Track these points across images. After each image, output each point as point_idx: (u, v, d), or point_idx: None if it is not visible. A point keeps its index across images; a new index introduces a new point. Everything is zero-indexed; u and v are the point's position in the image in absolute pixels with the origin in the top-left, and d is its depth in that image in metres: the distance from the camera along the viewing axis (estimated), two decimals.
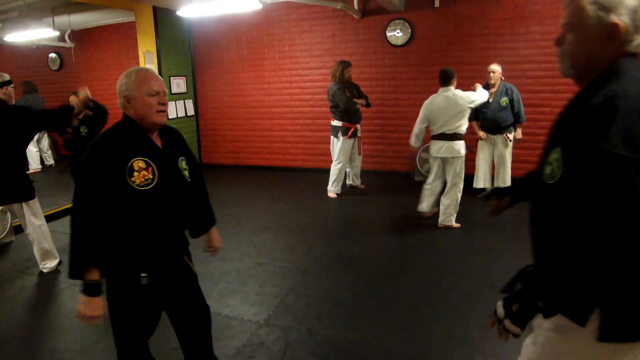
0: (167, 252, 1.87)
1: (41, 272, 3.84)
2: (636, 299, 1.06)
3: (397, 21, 6.47)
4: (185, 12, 5.74)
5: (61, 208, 5.51)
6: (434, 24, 6.37)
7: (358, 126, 5.79)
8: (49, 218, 5.23)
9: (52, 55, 8.46)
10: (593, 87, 1.14)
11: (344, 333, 2.83)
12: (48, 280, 3.75)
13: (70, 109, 3.60)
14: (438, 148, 4.46)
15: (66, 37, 7.39)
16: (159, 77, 1.78)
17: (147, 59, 6.74)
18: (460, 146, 4.43)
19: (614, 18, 1.10)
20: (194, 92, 7.90)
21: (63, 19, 6.92)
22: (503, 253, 3.92)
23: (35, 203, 3.72)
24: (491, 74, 5.01)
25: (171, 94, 7.24)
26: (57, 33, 6.84)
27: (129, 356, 1.95)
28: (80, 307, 1.70)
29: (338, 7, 6.25)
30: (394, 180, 6.70)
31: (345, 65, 5.57)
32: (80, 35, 7.89)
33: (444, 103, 4.40)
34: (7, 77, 3.59)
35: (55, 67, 8.56)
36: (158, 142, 1.81)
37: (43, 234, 3.77)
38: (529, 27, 5.96)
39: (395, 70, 6.66)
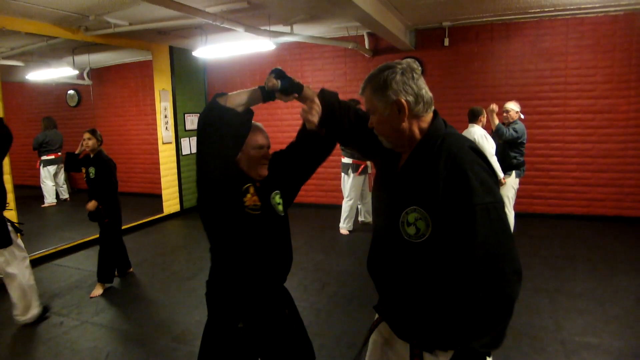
0: (269, 299, 1.86)
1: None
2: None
3: (407, 59, 6.57)
4: (201, 52, 5.92)
5: (74, 243, 5.53)
6: (444, 62, 6.47)
7: (368, 163, 5.81)
8: (62, 253, 5.28)
9: (71, 92, 8.70)
10: (424, 152, 1.33)
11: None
12: (58, 318, 3.72)
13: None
14: None
15: (85, 75, 7.62)
16: (265, 132, 1.87)
17: (163, 97, 6.91)
18: None
19: (394, 97, 1.33)
20: None
21: (83, 58, 7.17)
22: None
23: (10, 250, 3.42)
24: (504, 114, 4.95)
25: (185, 130, 7.37)
26: (76, 72, 7.07)
27: None
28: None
29: (349, 47, 6.39)
30: None
31: (354, 104, 5.63)
32: (98, 73, 8.14)
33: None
34: None
35: (73, 104, 8.79)
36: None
37: (19, 283, 3.48)
38: (538, 63, 6.03)
39: None
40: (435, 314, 1.29)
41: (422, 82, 1.36)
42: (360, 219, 6.19)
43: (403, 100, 1.32)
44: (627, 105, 5.77)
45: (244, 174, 1.79)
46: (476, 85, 6.34)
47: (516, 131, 4.78)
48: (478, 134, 4.62)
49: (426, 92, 1.36)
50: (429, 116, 1.38)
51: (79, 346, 3.24)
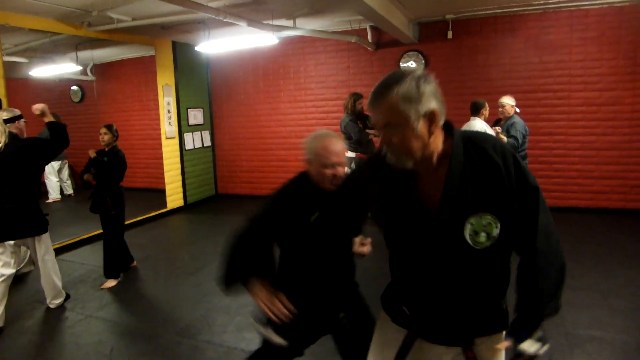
0: (328, 298, 1.98)
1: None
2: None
3: (410, 53, 6.55)
4: (204, 47, 5.91)
5: (78, 238, 5.56)
6: (447, 55, 6.44)
7: None
8: (67, 248, 5.31)
9: (74, 87, 8.73)
10: (464, 157, 1.29)
11: None
12: (63, 312, 3.75)
13: (59, 124, 3.58)
14: None
15: (88, 71, 7.65)
16: (340, 146, 1.83)
17: (166, 92, 6.91)
18: None
19: (428, 106, 1.22)
20: (210, 124, 8.03)
21: (86, 54, 7.19)
22: None
23: (47, 237, 3.66)
24: (500, 109, 4.92)
25: (188, 125, 7.37)
26: (79, 67, 7.08)
27: None
28: (257, 301, 1.74)
29: (352, 41, 6.37)
30: None
31: (357, 97, 5.63)
32: (101, 69, 8.16)
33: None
34: (17, 112, 3.64)
35: (77, 99, 8.82)
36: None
37: (53, 269, 3.72)
38: (542, 56, 5.99)
39: None
40: (489, 302, 1.39)
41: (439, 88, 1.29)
42: None
43: (437, 111, 1.23)
44: (632, 97, 5.73)
45: (312, 189, 1.83)
46: (480, 79, 6.30)
47: (516, 138, 4.70)
48: (478, 126, 4.61)
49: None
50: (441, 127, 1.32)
51: (83, 340, 3.26)
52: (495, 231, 1.26)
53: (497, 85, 6.15)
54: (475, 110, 4.67)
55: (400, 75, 1.24)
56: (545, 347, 1.31)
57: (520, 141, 4.71)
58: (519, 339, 1.29)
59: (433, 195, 1.31)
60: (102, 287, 4.17)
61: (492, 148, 1.28)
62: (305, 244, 1.86)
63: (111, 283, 4.22)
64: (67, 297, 3.90)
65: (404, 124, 1.22)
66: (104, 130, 4.23)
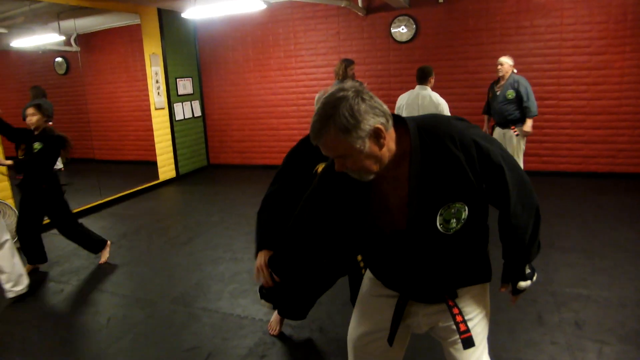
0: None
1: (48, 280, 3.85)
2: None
3: (401, 17, 6.45)
4: (190, 13, 5.77)
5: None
6: (439, 20, 6.35)
7: None
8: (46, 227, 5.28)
9: (59, 59, 8.52)
10: (422, 154, 1.28)
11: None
12: (58, 284, 3.79)
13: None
14: None
15: (72, 41, 7.45)
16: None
17: (153, 61, 6.78)
18: None
19: (369, 125, 1.19)
20: (200, 93, 7.93)
21: (69, 24, 6.97)
22: None
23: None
24: (499, 67, 4.97)
25: (177, 95, 7.28)
26: (62, 37, 6.90)
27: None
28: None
29: (342, 5, 6.25)
30: None
31: (348, 63, 5.56)
32: (86, 39, 7.94)
33: (412, 100, 4.41)
34: None
35: (61, 72, 8.63)
36: None
37: (12, 252, 3.46)
38: (533, 20, 5.93)
39: (401, 67, 6.65)
40: (471, 263, 1.47)
41: (376, 97, 1.24)
42: None
43: (379, 126, 1.20)
44: (622, 61, 5.72)
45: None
46: (471, 43, 6.24)
47: (529, 98, 4.86)
48: (434, 93, 4.42)
49: (384, 105, 1.25)
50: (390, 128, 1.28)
51: (80, 312, 3.32)
52: (465, 214, 1.32)
53: (488, 50, 6.11)
54: (423, 78, 4.45)
55: (332, 106, 1.19)
56: (535, 277, 1.53)
57: (532, 97, 4.85)
58: (514, 282, 1.51)
59: (397, 192, 1.33)
60: (100, 262, 4.13)
61: (451, 140, 1.26)
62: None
63: (105, 254, 4.18)
64: (27, 291, 3.53)
65: (352, 152, 1.22)
66: (31, 110, 3.67)
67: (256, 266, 1.75)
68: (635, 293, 3.10)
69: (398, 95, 6.71)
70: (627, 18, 5.59)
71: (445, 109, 4.32)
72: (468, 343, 1.44)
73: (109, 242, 4.25)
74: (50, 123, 3.95)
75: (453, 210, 1.30)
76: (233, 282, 3.60)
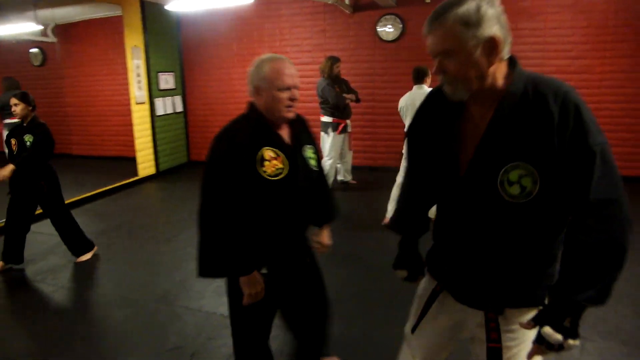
0: (291, 247, 1.83)
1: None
2: None
3: (388, 16, 6.45)
4: (174, 6, 5.65)
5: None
6: (425, 20, 6.35)
7: (348, 122, 5.76)
8: (35, 219, 5.09)
9: (34, 50, 8.26)
10: (519, 100, 1.14)
11: (347, 330, 2.81)
12: (34, 283, 3.65)
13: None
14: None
15: (49, 32, 7.22)
16: (293, 68, 1.68)
17: (135, 54, 6.62)
18: None
19: (489, 32, 1.09)
20: (182, 88, 7.78)
21: (46, 13, 6.76)
22: None
23: None
24: None
25: (159, 90, 7.12)
26: (40, 27, 6.68)
27: (248, 357, 1.92)
28: (244, 289, 1.69)
29: (329, 2, 6.20)
30: (385, 175, 6.68)
31: (334, 60, 5.54)
32: (64, 30, 7.72)
33: (411, 100, 4.43)
34: None
35: (37, 63, 8.37)
36: (285, 132, 1.75)
37: None
38: (518, 23, 5.98)
39: (386, 66, 6.65)
40: (526, 272, 1.24)
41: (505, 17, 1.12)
42: (339, 178, 6.19)
43: (499, 38, 1.09)
44: (602, 66, 5.83)
45: (250, 139, 1.63)
46: None
47: None
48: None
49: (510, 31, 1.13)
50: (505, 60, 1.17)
51: (57, 312, 3.20)
52: (532, 186, 1.12)
53: None
54: (419, 78, 4.48)
55: None
56: (576, 342, 1.11)
57: None
58: (543, 321, 1.13)
59: (475, 135, 1.20)
60: (77, 260, 3.97)
61: (553, 95, 1.10)
62: (265, 198, 1.69)
63: (86, 256, 4.02)
64: None
65: (460, 51, 1.11)
66: (14, 100, 3.56)
67: (250, 293, 1.68)
68: (616, 289, 3.14)
69: (383, 94, 6.77)
70: (609, 24, 5.69)
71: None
72: (494, 355, 1.26)
73: (95, 248, 4.11)
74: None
75: (521, 172, 1.13)
76: (216, 280, 3.52)
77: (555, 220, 1.19)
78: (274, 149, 1.65)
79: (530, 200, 1.14)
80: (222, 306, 3.12)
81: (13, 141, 3.66)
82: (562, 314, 1.11)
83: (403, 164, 4.57)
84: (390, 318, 2.92)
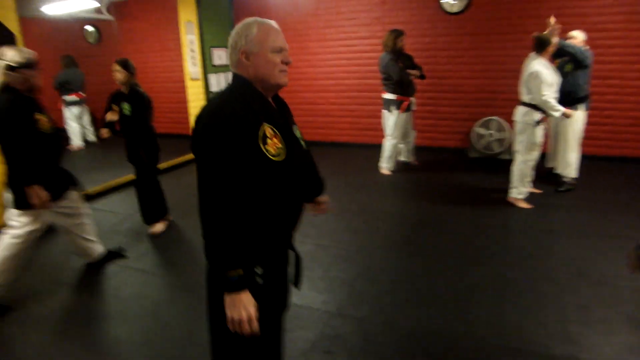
0: (288, 240, 1.63)
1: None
2: None
3: None
4: None
5: (108, 185, 5.39)
6: None
7: (412, 99, 5.45)
8: (96, 196, 5.13)
9: (89, 28, 8.29)
10: None
11: (427, 325, 2.60)
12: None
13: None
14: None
15: (104, 9, 7.18)
16: (281, 33, 1.49)
17: (189, 29, 6.48)
18: (524, 114, 4.14)
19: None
20: None
21: None
22: (585, 237, 3.59)
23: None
24: (570, 40, 4.57)
25: (212, 65, 6.97)
26: (98, 4, 6.64)
27: None
28: (228, 311, 1.38)
29: None
30: (446, 156, 6.36)
31: (397, 34, 5.22)
32: (118, 7, 7.67)
33: (524, 68, 4.22)
34: (28, 56, 2.74)
35: (92, 40, 8.41)
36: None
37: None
38: None
39: (449, 40, 6.24)
40: None
41: None
42: (401, 158, 5.91)
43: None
44: None
45: (250, 114, 1.37)
46: (531, 15, 5.77)
47: (575, 51, 4.41)
48: (536, 67, 4.08)
49: None
50: None
51: (122, 293, 3.14)
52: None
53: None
54: (540, 47, 4.15)
55: None
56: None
57: (581, 53, 4.45)
58: None
59: None
60: (150, 232, 4.02)
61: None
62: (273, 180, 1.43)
63: (158, 227, 4.05)
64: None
65: None
66: (116, 67, 3.63)
67: (243, 318, 1.37)
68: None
69: (445, 70, 6.37)
70: None
71: (541, 76, 4.00)
72: None
73: (170, 218, 4.18)
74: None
75: None
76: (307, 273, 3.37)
77: None
78: (272, 127, 1.41)
79: None
80: (292, 294, 2.96)
81: (115, 107, 3.80)
82: None
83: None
84: (476, 313, 2.68)
